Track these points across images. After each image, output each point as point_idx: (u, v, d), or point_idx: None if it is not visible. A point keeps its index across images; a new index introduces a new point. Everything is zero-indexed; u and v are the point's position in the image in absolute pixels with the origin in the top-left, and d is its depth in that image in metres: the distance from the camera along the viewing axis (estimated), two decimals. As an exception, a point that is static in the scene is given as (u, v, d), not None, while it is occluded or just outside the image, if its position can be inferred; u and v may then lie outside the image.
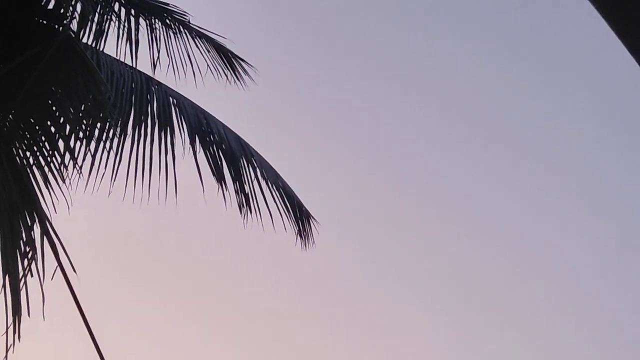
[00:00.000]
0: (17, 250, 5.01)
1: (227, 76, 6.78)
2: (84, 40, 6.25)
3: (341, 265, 11.03)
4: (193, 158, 6.30)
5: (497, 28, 11.64)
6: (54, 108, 5.96)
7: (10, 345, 4.68)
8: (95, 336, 4.88)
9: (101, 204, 5.96)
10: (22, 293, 4.89)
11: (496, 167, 11.86)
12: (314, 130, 11.07)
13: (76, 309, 4.97)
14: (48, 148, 5.85)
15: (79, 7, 6.09)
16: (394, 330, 11.23)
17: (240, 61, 6.82)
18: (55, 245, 5.20)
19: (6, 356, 4.65)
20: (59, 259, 5.06)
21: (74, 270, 5.26)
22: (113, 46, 6.48)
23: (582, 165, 11.96)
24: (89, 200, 5.82)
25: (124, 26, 6.50)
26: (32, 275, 5.02)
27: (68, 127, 5.96)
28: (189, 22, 6.74)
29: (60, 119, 5.96)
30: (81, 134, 5.99)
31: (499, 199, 11.94)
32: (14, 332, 4.72)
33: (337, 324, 11.08)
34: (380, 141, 11.62)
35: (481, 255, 11.66)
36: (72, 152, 5.90)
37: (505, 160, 11.87)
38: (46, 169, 5.78)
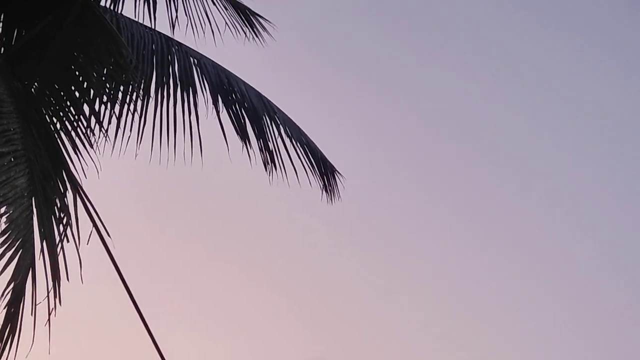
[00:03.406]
0: (52, 217, 5.07)
1: (245, 33, 6.77)
2: (102, 3, 6.25)
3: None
4: (216, 117, 6.33)
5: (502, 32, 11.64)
6: (77, 73, 5.98)
7: (52, 309, 4.76)
8: (135, 297, 4.96)
9: (129, 167, 6.01)
10: (60, 258, 4.96)
11: (502, 170, 11.89)
12: (334, 85, 11.05)
13: (114, 272, 5.05)
14: (74, 113, 5.88)
15: (96, -31, 6.08)
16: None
17: (258, 17, 6.80)
18: (88, 210, 5.27)
19: (49, 319, 4.73)
20: (95, 223, 5.13)
21: (108, 234, 5.34)
22: (131, 8, 6.46)
23: (583, 169, 12.01)
24: (117, 163, 5.87)
25: (140, -14, 6.47)
26: (67, 241, 5.09)
27: (92, 92, 5.98)
28: (205, -20, 6.71)
29: (83, 84, 5.98)
30: (105, 98, 6.01)
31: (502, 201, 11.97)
32: (55, 297, 4.80)
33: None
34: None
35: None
36: (97, 116, 5.94)
37: (510, 164, 11.90)
38: (73, 134, 5.83)
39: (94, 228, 5.11)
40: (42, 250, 4.85)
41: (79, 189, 5.24)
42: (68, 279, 4.93)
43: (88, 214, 5.15)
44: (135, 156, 6.00)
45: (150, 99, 6.15)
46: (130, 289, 4.96)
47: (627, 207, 11.71)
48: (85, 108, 5.95)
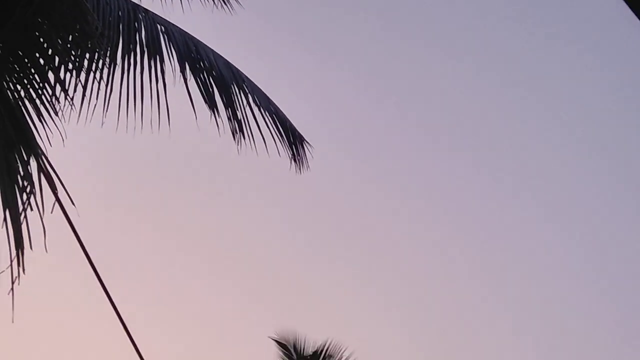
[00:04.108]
0: (15, 185, 5.01)
1: (213, 1, 6.69)
2: (67, -31, 6.14)
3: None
4: (184, 86, 6.27)
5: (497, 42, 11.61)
6: (41, 40, 5.89)
7: (16, 278, 4.73)
8: (96, 266, 4.93)
9: (95, 135, 5.96)
10: (24, 227, 4.91)
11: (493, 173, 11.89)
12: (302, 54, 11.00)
13: (76, 241, 5.01)
14: (38, 80, 5.80)
15: None
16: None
17: (226, -16, 6.72)
18: (52, 178, 5.21)
19: (12, 288, 4.70)
20: (55, 193, 5.08)
21: (72, 203, 5.29)
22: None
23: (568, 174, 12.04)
24: (83, 132, 5.82)
25: (106, -47, 6.37)
26: (31, 209, 5.04)
27: (57, 59, 5.90)
28: (171, -54, 6.61)
29: (48, 51, 5.89)
30: (70, 65, 5.93)
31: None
32: (18, 265, 4.77)
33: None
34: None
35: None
36: (62, 83, 5.86)
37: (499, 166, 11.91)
38: (38, 102, 5.75)
39: (55, 197, 5.06)
40: (4, 219, 4.81)
41: (43, 157, 5.18)
42: (32, 248, 4.89)
43: (50, 183, 5.09)
44: (102, 124, 5.95)
45: (117, 66, 6.08)
46: (92, 258, 4.93)
47: (621, 213, 11.81)
48: (50, 76, 5.86)
